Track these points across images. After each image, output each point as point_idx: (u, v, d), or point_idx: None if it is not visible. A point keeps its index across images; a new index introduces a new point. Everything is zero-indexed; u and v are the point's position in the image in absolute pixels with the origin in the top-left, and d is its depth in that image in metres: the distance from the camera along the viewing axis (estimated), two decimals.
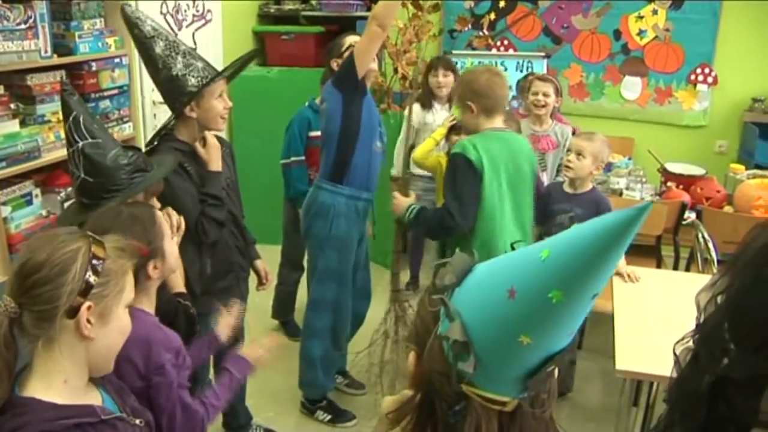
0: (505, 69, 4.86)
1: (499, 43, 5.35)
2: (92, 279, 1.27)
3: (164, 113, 4.00)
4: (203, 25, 4.60)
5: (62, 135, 2.87)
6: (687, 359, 1.45)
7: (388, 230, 3.53)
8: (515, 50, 5.31)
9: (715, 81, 5.00)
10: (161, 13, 4.11)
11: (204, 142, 2.44)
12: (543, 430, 1.00)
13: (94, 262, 1.27)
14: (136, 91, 3.41)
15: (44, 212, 2.85)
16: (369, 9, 5.12)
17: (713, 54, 4.96)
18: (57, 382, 1.28)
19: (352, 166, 2.99)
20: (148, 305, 1.82)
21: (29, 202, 2.78)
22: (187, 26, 4.42)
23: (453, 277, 0.98)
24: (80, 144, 1.94)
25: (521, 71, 4.90)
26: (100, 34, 3.03)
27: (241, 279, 2.66)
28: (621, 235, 0.83)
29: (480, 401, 0.95)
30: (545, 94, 3.78)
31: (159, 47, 2.32)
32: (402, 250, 4.80)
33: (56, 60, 2.83)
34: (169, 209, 1.99)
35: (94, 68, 3.01)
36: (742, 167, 4.20)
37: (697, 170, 4.16)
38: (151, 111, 3.99)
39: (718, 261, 3.23)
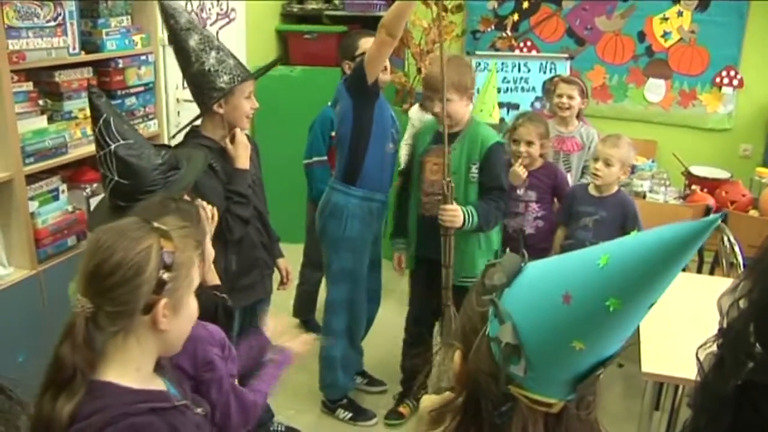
0: (528, 70, 4.85)
1: (522, 44, 5.33)
2: (166, 276, 1.29)
3: (188, 111, 4.03)
4: (227, 23, 4.62)
5: (89, 131, 2.90)
6: (711, 364, 1.44)
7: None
8: (538, 51, 5.29)
9: (741, 84, 4.95)
10: (186, 11, 4.13)
11: (233, 138, 2.45)
12: (587, 431, 0.99)
13: (166, 258, 1.29)
14: (161, 88, 3.43)
15: (70, 208, 2.87)
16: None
17: (739, 56, 4.91)
18: (130, 370, 1.31)
19: (365, 167, 3.00)
20: None
21: (56, 198, 2.80)
22: (210, 25, 4.44)
23: (503, 276, 0.96)
24: (112, 146, 1.93)
25: (544, 72, 4.87)
26: (126, 31, 3.05)
27: (265, 275, 2.68)
28: (686, 247, 0.81)
29: (527, 402, 0.94)
30: (569, 97, 3.77)
31: (193, 40, 2.34)
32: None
33: (84, 57, 2.85)
34: (201, 201, 1.99)
35: (120, 65, 3.03)
36: None
37: (721, 174, 4.12)
38: (175, 108, 4.02)
39: (745, 265, 3.19)
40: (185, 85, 3.97)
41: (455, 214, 2.80)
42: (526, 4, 5.24)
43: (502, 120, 4.55)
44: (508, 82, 4.87)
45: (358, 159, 2.99)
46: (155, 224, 1.33)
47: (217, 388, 1.72)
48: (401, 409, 3.34)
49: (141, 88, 3.19)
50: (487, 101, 3.59)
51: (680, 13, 4.97)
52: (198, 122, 2.54)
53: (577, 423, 0.97)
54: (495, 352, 0.95)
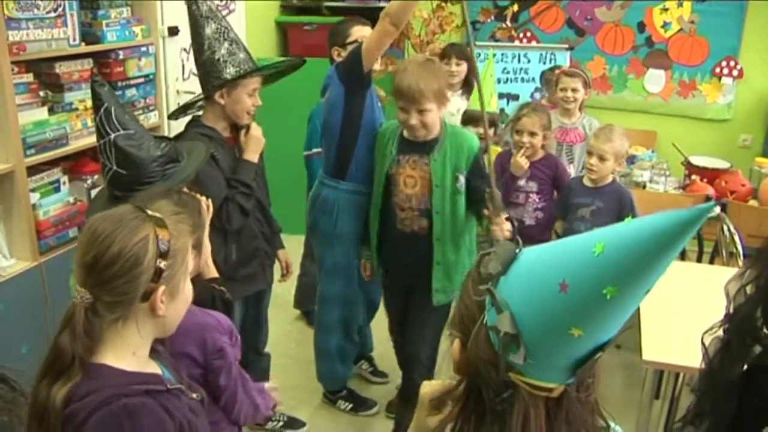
0: (528, 61, 4.85)
1: (522, 35, 5.32)
2: (163, 264, 1.31)
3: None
4: (227, 14, 4.61)
5: (89, 123, 2.91)
6: (717, 348, 1.45)
7: None
8: (538, 42, 5.28)
9: (740, 74, 4.94)
10: (186, 1, 4.12)
11: (247, 130, 2.47)
12: (588, 413, 0.99)
13: (162, 246, 1.31)
14: (161, 80, 3.43)
15: (71, 199, 2.88)
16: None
17: (738, 47, 4.91)
18: (127, 354, 1.33)
19: (354, 159, 2.93)
20: None
21: (57, 189, 2.81)
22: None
23: (498, 265, 0.97)
24: (112, 136, 1.93)
25: (544, 63, 4.88)
26: (126, 22, 3.05)
27: (266, 266, 2.68)
28: (681, 234, 0.81)
29: (527, 388, 0.95)
30: (574, 90, 3.78)
31: (210, 28, 2.36)
32: None
33: (84, 48, 2.85)
34: (197, 195, 1.99)
35: (121, 56, 3.03)
36: None
37: (721, 164, 4.13)
38: (175, 100, 4.01)
39: (745, 254, 3.20)
40: (185, 76, 3.99)
41: (502, 229, 2.58)
42: None
43: (501, 110, 4.57)
44: (508, 72, 4.87)
45: (347, 150, 2.92)
46: (150, 212, 1.35)
47: (226, 374, 1.75)
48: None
49: (141, 80, 3.19)
50: (484, 90, 3.59)
51: (680, 4, 4.96)
52: (197, 110, 2.56)
53: (578, 405, 0.98)
54: (494, 340, 0.95)
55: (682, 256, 3.72)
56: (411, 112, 2.60)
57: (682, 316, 2.57)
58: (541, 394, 0.95)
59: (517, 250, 0.98)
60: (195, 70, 2.50)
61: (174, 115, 2.66)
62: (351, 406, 3.32)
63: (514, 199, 3.41)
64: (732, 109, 5.03)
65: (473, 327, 0.99)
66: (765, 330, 1.35)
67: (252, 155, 2.47)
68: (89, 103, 2.89)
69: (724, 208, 3.69)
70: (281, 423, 3.17)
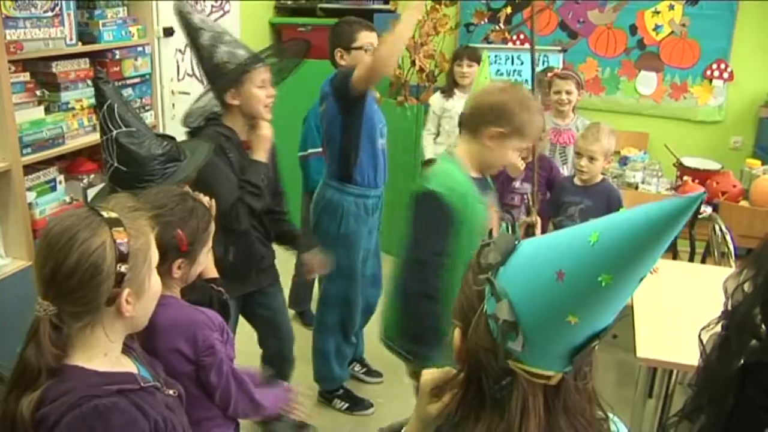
0: (522, 63, 4.87)
1: (515, 37, 5.35)
2: (123, 268, 1.28)
3: (183, 103, 4.02)
4: (221, 16, 4.62)
5: (86, 122, 2.91)
6: (715, 345, 1.47)
7: (400, 221, 3.55)
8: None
9: (731, 77, 4.99)
10: (197, 10, 4.13)
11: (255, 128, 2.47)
12: (586, 401, 1.01)
13: (121, 249, 1.28)
14: (156, 80, 3.43)
15: (68, 198, 2.88)
16: (386, 2, 5.14)
17: (729, 50, 4.94)
18: (98, 355, 1.32)
19: (358, 166, 2.99)
20: (172, 291, 1.83)
21: (53, 188, 2.81)
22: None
23: (497, 255, 0.99)
24: (114, 133, 1.94)
25: (537, 65, 4.89)
26: (123, 22, 3.06)
27: (259, 270, 2.65)
28: (672, 222, 0.83)
29: (526, 376, 0.97)
30: (568, 92, 3.82)
31: (204, 38, 2.37)
32: None
33: (81, 48, 2.85)
34: (200, 194, 1.99)
35: (117, 56, 3.04)
36: (759, 162, 4.20)
37: (713, 165, 4.16)
38: (170, 100, 4.02)
39: (736, 254, 3.23)
40: (180, 77, 4.00)
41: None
42: None
43: None
44: (502, 74, 4.90)
45: (350, 159, 2.97)
46: (105, 213, 1.30)
47: (217, 371, 1.75)
48: None
49: (137, 80, 3.19)
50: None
51: (671, 7, 5.00)
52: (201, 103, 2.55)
53: (575, 393, 0.99)
54: (493, 328, 0.97)
55: (674, 256, 3.75)
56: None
57: (675, 314, 2.59)
58: (539, 382, 0.97)
59: (516, 242, 1.00)
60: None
61: (187, 117, 2.60)
62: (347, 405, 3.33)
63: (509, 200, 3.44)
64: (723, 111, 5.07)
65: (473, 316, 1.01)
66: (763, 327, 1.37)
67: (261, 155, 2.46)
68: (86, 102, 2.91)
69: (715, 209, 3.73)
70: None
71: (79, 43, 2.85)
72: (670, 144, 4.39)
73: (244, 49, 2.43)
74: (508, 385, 0.97)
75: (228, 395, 1.79)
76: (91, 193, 2.89)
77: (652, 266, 0.90)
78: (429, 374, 1.21)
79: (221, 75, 2.38)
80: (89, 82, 2.89)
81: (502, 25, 5.19)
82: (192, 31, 2.38)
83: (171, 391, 1.47)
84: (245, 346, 2.58)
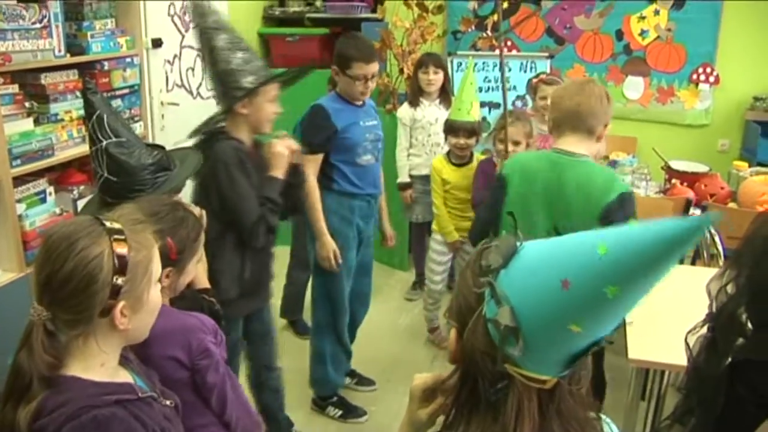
0: (509, 69, 4.89)
1: (502, 44, 5.37)
2: (120, 281, 1.27)
3: (173, 113, 4.04)
4: None
5: (75, 134, 2.91)
6: (702, 346, 1.48)
7: (394, 230, 3.56)
8: (518, 51, 5.35)
9: (717, 80, 5.03)
10: (169, 14, 4.14)
11: (269, 147, 2.45)
12: (580, 406, 1.01)
13: (119, 262, 1.26)
14: (146, 91, 3.44)
15: (58, 210, 2.87)
16: (374, 11, 5.16)
17: (715, 53, 5.00)
18: (95, 366, 1.30)
19: (339, 176, 3.05)
20: (164, 299, 1.84)
21: (43, 200, 2.81)
22: (194, 27, 4.44)
23: (499, 258, 0.98)
24: (104, 143, 1.94)
25: (525, 72, 4.93)
26: (111, 34, 3.06)
27: (268, 281, 2.66)
28: (684, 241, 0.83)
29: (522, 380, 0.96)
30: None
31: (221, 40, 2.34)
32: (407, 250, 4.86)
33: (69, 59, 2.86)
34: (191, 205, 1.99)
35: (106, 67, 3.04)
36: (746, 164, 4.23)
37: (700, 167, 4.18)
38: (159, 111, 4.02)
39: (725, 255, 3.25)
40: (169, 87, 3.99)
41: None
42: (505, 5, 5.29)
43: (483, 119, 4.61)
44: (489, 81, 4.92)
45: (330, 173, 3.05)
46: (108, 224, 1.29)
47: (213, 372, 1.74)
48: None
49: (126, 90, 3.20)
50: (465, 99, 3.63)
51: (657, 12, 5.05)
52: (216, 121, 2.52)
53: (569, 397, 0.99)
54: (492, 332, 0.97)
55: None
56: None
57: (666, 316, 2.59)
58: (534, 386, 0.97)
59: (518, 244, 0.99)
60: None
61: (196, 133, 2.54)
62: (340, 412, 3.32)
63: None
64: (709, 114, 5.12)
65: (470, 317, 1.01)
66: (749, 325, 1.39)
67: (279, 172, 2.44)
68: (75, 114, 2.91)
69: (704, 211, 3.75)
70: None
71: (68, 55, 2.85)
72: (658, 148, 4.42)
73: (259, 60, 2.42)
74: (503, 388, 0.97)
75: (224, 396, 1.79)
76: (81, 204, 2.88)
77: (661, 280, 0.89)
78: (420, 378, 1.21)
79: (235, 81, 2.34)
80: (78, 93, 2.89)
81: (489, 32, 5.23)
82: (207, 31, 2.35)
83: (168, 402, 1.47)
84: None
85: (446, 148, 3.80)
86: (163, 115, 4.05)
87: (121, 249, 1.27)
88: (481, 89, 4.69)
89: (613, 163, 4.43)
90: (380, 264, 3.66)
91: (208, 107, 2.67)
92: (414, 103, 4.19)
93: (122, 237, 1.28)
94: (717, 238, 3.30)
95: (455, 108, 3.71)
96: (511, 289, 0.96)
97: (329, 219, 3.05)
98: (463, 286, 1.05)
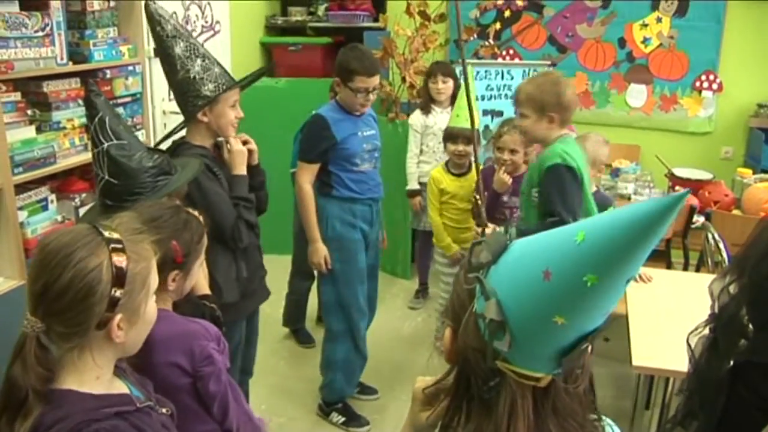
0: (512, 78, 4.89)
1: (504, 53, 5.38)
2: (118, 293, 1.24)
3: (174, 122, 4.02)
4: (212, 36, 4.65)
5: (77, 142, 2.91)
6: (704, 347, 1.47)
7: (396, 239, 3.55)
8: (521, 59, 5.35)
9: (720, 88, 5.02)
10: (172, 19, 4.15)
11: (227, 147, 2.46)
12: (576, 404, 1.00)
13: (118, 273, 1.24)
14: (148, 99, 3.43)
15: (59, 218, 2.86)
16: (376, 19, 5.17)
17: (717, 61, 4.99)
18: (90, 379, 1.28)
19: (338, 183, 3.07)
20: (164, 304, 1.83)
21: (45, 208, 2.80)
22: (196, 37, 4.46)
23: (488, 255, 0.98)
24: (105, 145, 1.94)
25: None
26: (113, 42, 3.06)
27: (263, 278, 2.69)
28: (657, 222, 0.83)
29: (514, 377, 0.96)
30: None
31: (179, 48, 2.33)
32: (411, 259, 4.85)
33: (72, 67, 2.85)
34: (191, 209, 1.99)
35: (108, 75, 3.04)
36: (750, 171, 4.22)
37: (704, 175, 4.18)
38: (161, 120, 4.03)
39: (730, 263, 3.23)
40: (171, 96, 3.99)
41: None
42: (507, 13, 5.31)
43: (486, 127, 4.61)
44: (492, 89, 4.91)
45: (326, 180, 3.09)
46: (106, 234, 1.26)
47: (215, 380, 1.74)
48: None
49: (128, 99, 3.19)
50: (463, 106, 3.62)
51: (659, 20, 5.04)
52: (183, 132, 2.52)
53: (565, 396, 0.98)
54: (481, 327, 0.97)
55: (668, 266, 3.76)
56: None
57: (670, 322, 2.59)
58: (527, 383, 0.96)
59: (508, 241, 0.99)
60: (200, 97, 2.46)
61: (160, 143, 2.60)
62: (343, 419, 3.30)
63: (499, 214, 3.44)
64: (713, 122, 5.11)
65: (464, 315, 1.01)
66: (750, 326, 1.38)
67: (241, 169, 2.46)
68: (77, 122, 2.91)
69: (708, 218, 3.74)
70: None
71: (70, 63, 2.85)
72: (662, 156, 4.41)
73: (218, 65, 2.42)
74: (496, 386, 0.96)
75: (226, 404, 1.78)
76: (83, 212, 2.87)
77: (639, 267, 0.89)
78: (421, 381, 1.20)
79: (195, 90, 2.34)
80: (80, 101, 2.89)
81: (491, 41, 5.24)
82: (166, 39, 2.34)
83: (164, 410, 1.46)
84: None
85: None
86: (165, 124, 4.06)
87: (120, 260, 1.25)
88: (483, 97, 4.69)
89: (616, 171, 4.43)
90: (382, 273, 3.65)
91: None
92: (426, 110, 4.25)
93: (121, 247, 1.26)
94: (721, 245, 3.28)
95: (454, 115, 3.73)
96: (498, 284, 0.96)
97: (332, 225, 3.07)
98: (457, 285, 1.06)
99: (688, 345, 1.53)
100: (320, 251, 3.08)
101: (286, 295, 4.07)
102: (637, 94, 5.23)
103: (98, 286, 1.22)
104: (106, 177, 1.95)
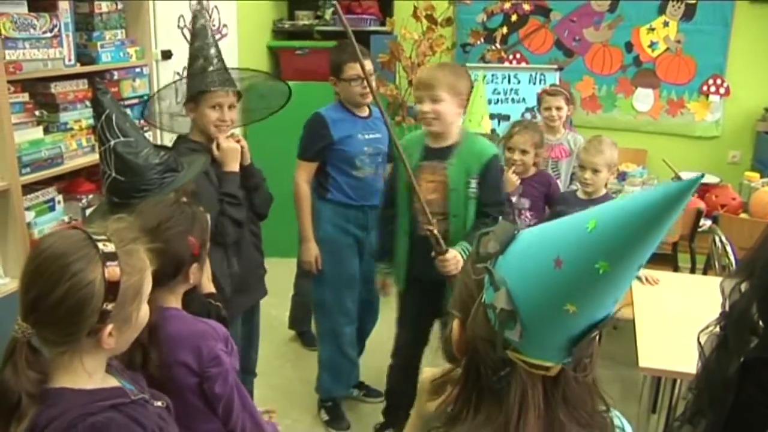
0: (518, 82, 4.90)
1: (511, 57, 5.38)
2: (110, 306, 1.25)
3: (181, 124, 4.05)
4: (219, 39, 4.65)
5: (84, 143, 2.93)
6: (714, 345, 1.46)
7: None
8: (528, 63, 5.35)
9: (727, 92, 5.01)
10: (178, 27, 4.17)
11: (218, 146, 2.50)
12: (586, 394, 1.00)
13: (111, 288, 1.24)
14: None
15: (66, 218, 2.88)
16: (383, 23, 5.18)
17: (725, 65, 4.98)
18: (82, 377, 1.29)
19: (333, 189, 3.10)
20: (176, 303, 1.84)
21: (52, 208, 2.81)
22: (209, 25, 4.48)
23: (496, 245, 0.98)
24: (112, 142, 1.96)
25: (534, 84, 4.92)
26: (121, 44, 3.08)
27: (261, 276, 2.73)
28: (669, 208, 0.82)
29: (524, 367, 0.95)
30: (558, 108, 3.85)
31: (195, 45, 2.46)
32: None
33: (79, 68, 2.87)
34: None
35: (116, 77, 3.06)
36: (758, 175, 4.21)
37: (711, 179, 4.17)
38: (168, 122, 4.03)
39: (737, 265, 3.22)
40: (178, 99, 4.01)
41: (457, 260, 2.55)
42: (514, 17, 5.31)
43: (493, 131, 4.60)
44: (499, 93, 4.92)
45: (323, 182, 3.12)
46: (100, 246, 1.26)
47: (222, 382, 1.74)
48: None
49: (136, 100, 3.21)
50: (474, 111, 3.62)
51: (666, 24, 5.04)
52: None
53: (575, 385, 0.98)
54: (491, 318, 0.96)
55: (675, 270, 3.75)
56: (425, 101, 2.62)
57: (677, 324, 2.58)
58: (538, 373, 0.96)
59: (516, 231, 0.99)
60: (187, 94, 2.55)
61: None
62: (327, 418, 3.31)
63: (506, 217, 3.43)
64: (720, 126, 5.09)
65: (472, 305, 1.00)
66: (761, 323, 1.37)
67: (232, 166, 2.50)
68: (84, 123, 2.93)
69: (715, 221, 3.72)
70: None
71: (78, 64, 2.87)
72: (669, 160, 4.40)
73: (216, 66, 2.47)
74: (506, 376, 0.96)
75: (231, 405, 1.78)
76: (90, 212, 2.88)
77: (650, 253, 0.88)
78: (429, 372, 1.20)
79: (189, 87, 2.47)
80: (87, 103, 2.91)
81: (498, 45, 5.24)
82: (193, 32, 2.50)
83: (159, 403, 1.46)
84: None
85: None
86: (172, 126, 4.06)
87: (113, 275, 1.25)
88: (490, 101, 4.70)
89: (623, 175, 4.42)
90: None
91: None
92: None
93: (115, 263, 1.25)
94: (729, 248, 3.27)
95: (466, 120, 3.71)
96: (508, 273, 0.95)
97: (324, 227, 3.10)
98: (464, 276, 1.05)
99: (699, 343, 1.52)
100: (311, 251, 3.11)
101: (292, 296, 4.07)
102: (643, 98, 5.22)
103: (91, 301, 1.22)
104: (113, 174, 1.96)
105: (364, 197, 3.13)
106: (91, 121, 2.91)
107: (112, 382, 1.37)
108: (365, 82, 2.90)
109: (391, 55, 4.61)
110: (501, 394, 0.97)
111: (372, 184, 3.16)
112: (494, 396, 0.98)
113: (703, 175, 0.86)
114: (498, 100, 4.92)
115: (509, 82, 4.94)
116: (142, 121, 3.26)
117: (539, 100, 4.07)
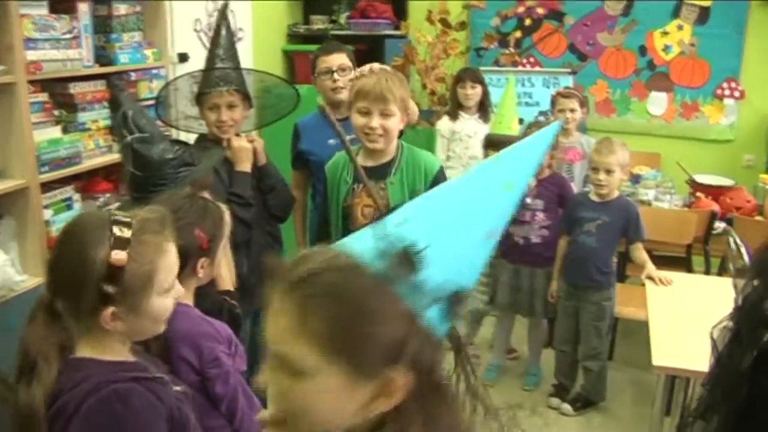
0: (532, 85, 4.91)
1: (525, 61, 5.39)
2: (110, 288, 1.27)
3: (201, 124, 4.09)
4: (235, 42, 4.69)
5: (101, 143, 2.97)
6: (727, 339, 1.47)
7: None
8: (541, 67, 5.36)
9: (742, 95, 4.99)
10: (195, 30, 4.22)
11: (230, 144, 2.52)
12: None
13: (111, 271, 1.27)
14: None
15: None
16: (397, 27, 5.21)
17: (739, 68, 4.96)
18: (105, 349, 1.33)
19: (318, 196, 3.03)
20: (188, 299, 1.85)
21: (70, 207, 2.85)
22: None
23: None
24: (129, 138, 2.00)
25: (548, 87, 4.93)
26: (138, 46, 3.12)
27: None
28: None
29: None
30: (572, 110, 3.86)
31: (210, 47, 2.55)
32: None
33: (98, 69, 2.91)
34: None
35: (133, 78, 3.10)
36: None
37: (726, 181, 4.16)
38: (184, 123, 4.06)
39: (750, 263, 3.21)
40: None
41: None
42: (528, 21, 5.32)
43: None
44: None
45: (311, 190, 3.12)
46: (116, 230, 1.28)
47: (222, 382, 1.74)
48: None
49: (152, 101, 3.24)
50: (505, 113, 3.61)
51: (680, 27, 5.03)
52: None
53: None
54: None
55: (689, 272, 3.73)
56: (374, 115, 2.28)
57: (691, 324, 2.57)
58: None
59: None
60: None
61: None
62: None
63: (520, 216, 3.44)
64: (734, 129, 5.07)
65: None
66: None
67: (243, 166, 2.51)
68: (102, 123, 2.97)
69: (730, 223, 3.71)
70: None
71: (96, 65, 2.91)
72: (683, 163, 4.39)
73: (218, 67, 2.51)
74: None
75: (234, 406, 1.77)
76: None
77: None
78: None
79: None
80: (105, 103, 2.96)
81: (512, 49, 5.25)
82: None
83: (178, 387, 1.49)
84: None
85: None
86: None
87: (118, 260, 1.27)
88: None
89: (637, 178, 4.41)
90: None
91: None
92: (453, 116, 4.24)
93: (125, 248, 1.28)
94: (743, 250, 3.25)
95: (496, 122, 3.70)
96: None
97: (311, 233, 3.09)
98: None
99: (711, 338, 1.53)
100: None
101: None
102: (657, 101, 5.21)
103: (88, 277, 1.26)
104: (131, 169, 2.00)
105: None
106: (108, 122, 2.96)
107: (134, 359, 1.41)
108: (335, 75, 2.87)
109: (405, 59, 4.63)
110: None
111: None
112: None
113: (562, 123, 0.95)
114: None
115: (523, 85, 4.95)
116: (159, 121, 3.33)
117: (553, 103, 4.08)
